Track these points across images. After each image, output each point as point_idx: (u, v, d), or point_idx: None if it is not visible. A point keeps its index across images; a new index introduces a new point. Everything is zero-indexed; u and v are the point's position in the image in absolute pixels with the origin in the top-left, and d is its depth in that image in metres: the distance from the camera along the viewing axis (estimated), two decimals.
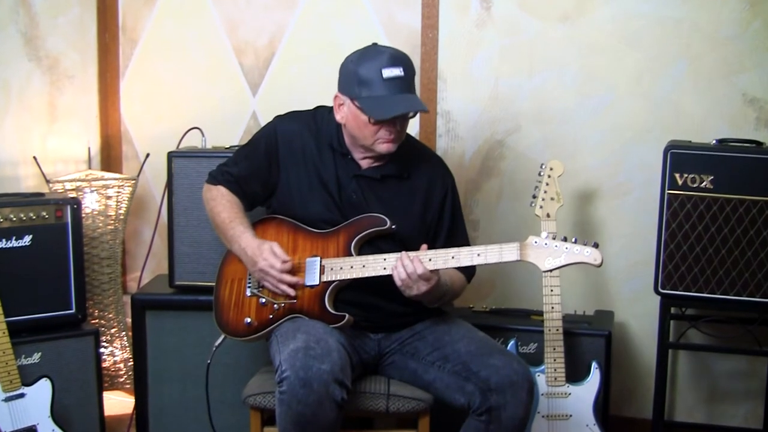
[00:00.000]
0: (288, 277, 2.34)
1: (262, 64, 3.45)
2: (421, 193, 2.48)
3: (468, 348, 2.34)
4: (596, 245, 2.20)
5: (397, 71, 2.31)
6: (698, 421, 3.11)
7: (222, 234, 2.49)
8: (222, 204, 2.49)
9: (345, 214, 2.42)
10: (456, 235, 2.50)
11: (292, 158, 2.47)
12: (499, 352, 2.33)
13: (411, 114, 2.37)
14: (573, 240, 2.22)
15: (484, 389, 2.24)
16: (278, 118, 2.55)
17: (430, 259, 2.28)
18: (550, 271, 2.24)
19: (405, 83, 2.33)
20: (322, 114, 2.51)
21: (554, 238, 2.22)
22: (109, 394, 3.32)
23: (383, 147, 2.37)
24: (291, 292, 2.34)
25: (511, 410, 2.22)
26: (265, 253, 2.34)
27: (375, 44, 2.40)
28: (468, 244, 2.45)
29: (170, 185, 2.90)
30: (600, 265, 2.20)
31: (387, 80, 2.29)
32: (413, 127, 3.18)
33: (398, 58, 2.33)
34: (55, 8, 3.39)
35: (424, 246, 2.30)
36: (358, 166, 2.45)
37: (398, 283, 2.26)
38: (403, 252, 2.26)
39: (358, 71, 2.32)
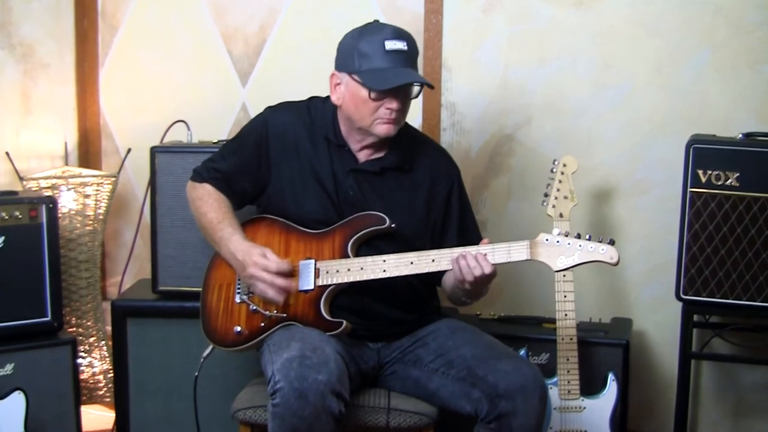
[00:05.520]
0: (280, 281, 2.33)
1: (252, 52, 3.45)
2: (423, 188, 2.48)
3: (474, 352, 2.33)
4: (612, 242, 2.20)
5: (400, 44, 2.33)
6: None
7: (209, 236, 2.49)
8: (209, 203, 2.49)
9: (342, 212, 2.42)
10: (467, 231, 2.50)
11: (284, 153, 2.47)
12: (507, 356, 2.33)
13: (414, 93, 2.38)
14: (587, 237, 2.22)
15: (492, 395, 2.23)
16: (269, 109, 2.55)
17: (433, 260, 2.28)
18: (563, 271, 2.24)
19: (408, 58, 2.35)
20: (317, 105, 2.52)
21: (567, 236, 2.23)
22: (88, 408, 3.32)
23: (382, 128, 2.37)
24: (281, 298, 2.34)
25: (522, 418, 2.21)
26: (255, 257, 2.35)
27: (377, 21, 2.43)
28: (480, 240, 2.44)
29: (153, 183, 2.90)
30: (617, 264, 2.20)
31: (389, 52, 2.31)
32: (415, 119, 3.19)
33: (402, 33, 2.36)
34: None
35: (485, 240, 2.30)
36: (355, 159, 2.46)
37: (468, 281, 2.24)
38: (463, 250, 2.25)
39: (359, 45, 2.34)
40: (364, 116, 2.37)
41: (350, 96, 2.37)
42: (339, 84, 2.39)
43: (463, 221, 2.52)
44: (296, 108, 2.52)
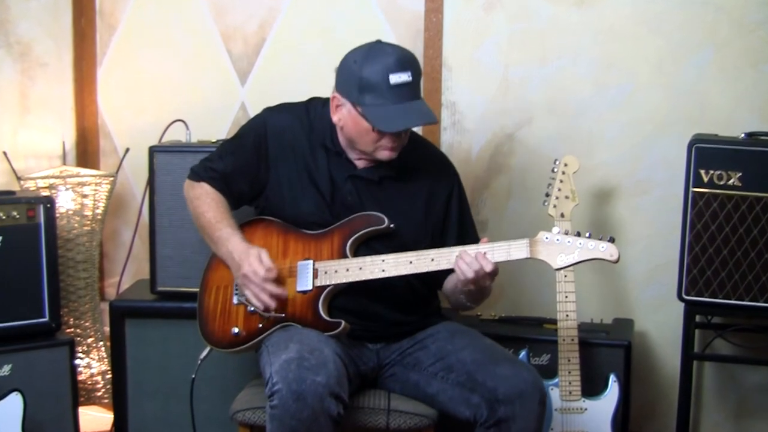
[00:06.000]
0: (271, 287, 2.33)
1: (251, 51, 3.45)
2: (422, 192, 2.48)
3: (473, 356, 2.34)
4: (612, 240, 2.21)
5: (405, 77, 2.29)
6: None
7: (207, 235, 2.49)
8: (207, 203, 2.49)
9: (339, 216, 2.42)
10: (466, 236, 2.49)
11: (283, 154, 2.47)
12: (507, 360, 2.33)
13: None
14: (587, 235, 2.22)
15: (491, 400, 2.23)
16: (268, 110, 2.55)
17: (432, 259, 2.28)
18: (563, 269, 2.25)
19: (412, 89, 2.32)
20: (316, 107, 2.51)
21: (567, 234, 2.23)
22: (86, 409, 3.32)
23: (384, 154, 2.37)
24: (272, 304, 2.34)
25: (522, 423, 2.22)
26: (251, 258, 2.34)
27: (379, 42, 2.38)
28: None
29: (152, 183, 2.90)
30: (617, 261, 2.20)
31: (394, 87, 2.28)
32: None
33: (406, 61, 2.32)
34: None
35: (485, 239, 2.30)
36: (353, 166, 2.45)
37: (470, 280, 2.25)
38: (462, 249, 2.26)
39: (362, 74, 2.30)
40: (367, 144, 2.36)
41: (352, 123, 2.35)
42: (341, 106, 2.37)
43: (462, 226, 2.52)
44: (295, 109, 2.52)
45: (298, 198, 2.45)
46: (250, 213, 2.57)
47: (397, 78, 2.29)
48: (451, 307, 2.57)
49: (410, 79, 2.30)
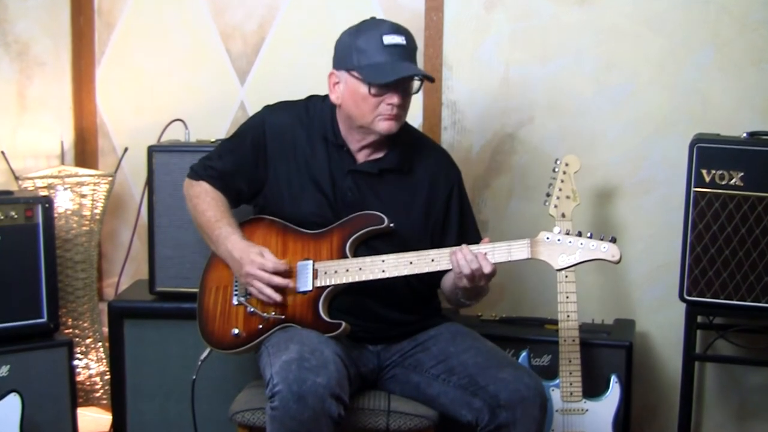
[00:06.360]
0: (278, 279, 2.33)
1: (251, 50, 3.45)
2: (423, 189, 2.48)
3: (475, 360, 2.34)
4: (614, 240, 2.21)
5: (398, 39, 2.33)
6: None
7: (206, 234, 2.49)
8: (206, 202, 2.49)
9: (339, 214, 2.42)
10: (467, 234, 2.49)
11: (282, 153, 2.47)
12: (508, 365, 2.34)
13: (415, 88, 2.38)
14: (588, 235, 2.22)
15: (493, 405, 2.24)
16: (267, 108, 2.55)
17: (432, 260, 2.28)
18: (564, 269, 2.24)
19: (407, 52, 2.34)
20: (315, 104, 2.51)
21: (568, 234, 2.22)
22: (84, 410, 3.32)
23: (384, 125, 2.36)
24: (277, 297, 2.34)
25: (522, 428, 2.23)
26: (253, 255, 2.34)
27: (373, 17, 2.43)
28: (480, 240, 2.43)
29: (151, 182, 2.90)
30: (618, 262, 2.20)
31: (388, 47, 2.32)
32: (416, 118, 3.18)
33: (400, 28, 2.37)
34: None
35: (486, 239, 2.30)
36: (353, 160, 2.45)
37: (466, 280, 2.24)
38: (461, 247, 2.25)
39: (356, 41, 2.34)
40: (365, 113, 2.36)
41: (350, 94, 2.36)
42: (338, 83, 2.39)
43: (462, 224, 2.52)
44: (294, 107, 2.52)
45: (297, 196, 2.45)
46: (249, 212, 2.57)
47: (390, 39, 2.32)
48: (449, 305, 2.57)
49: (404, 42, 2.33)
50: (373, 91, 2.32)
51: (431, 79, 2.36)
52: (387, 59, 2.31)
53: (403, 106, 2.38)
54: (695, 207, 2.71)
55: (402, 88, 2.34)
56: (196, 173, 2.54)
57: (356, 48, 2.33)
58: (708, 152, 2.70)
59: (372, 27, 2.36)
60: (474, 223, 2.58)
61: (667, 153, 3.05)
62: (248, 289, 2.39)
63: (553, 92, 3.15)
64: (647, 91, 3.07)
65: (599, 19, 3.08)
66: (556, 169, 2.81)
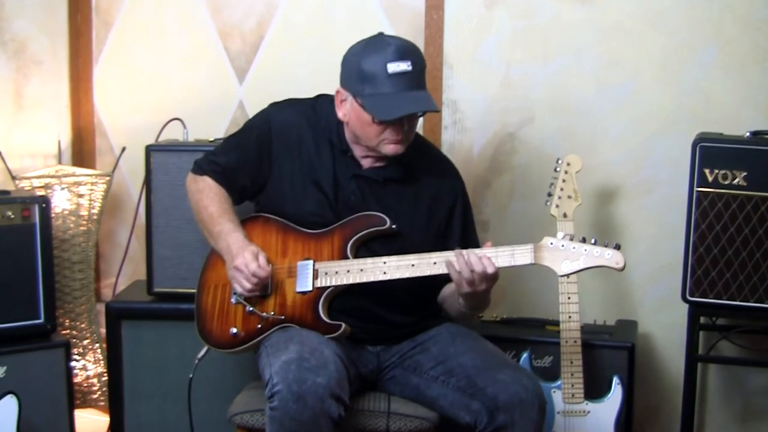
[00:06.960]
0: (255, 280, 2.33)
1: (249, 48, 3.44)
2: (426, 200, 2.47)
3: (474, 361, 2.34)
4: (618, 247, 2.21)
5: (404, 66, 2.29)
6: None
7: (207, 230, 2.49)
8: (209, 197, 2.49)
9: (340, 216, 2.42)
10: (469, 245, 2.48)
11: (287, 151, 2.46)
12: (507, 367, 2.34)
13: (419, 114, 2.37)
14: (592, 241, 2.22)
15: (491, 408, 2.24)
16: (274, 105, 2.54)
17: (434, 263, 2.28)
18: (568, 275, 2.24)
19: (413, 78, 2.31)
20: (323, 104, 2.50)
21: (572, 239, 2.22)
22: (81, 412, 3.32)
23: (389, 148, 2.36)
24: (248, 285, 2.32)
25: (520, 430, 2.23)
26: (246, 253, 2.34)
27: (381, 34, 2.39)
28: None
29: (148, 182, 2.90)
30: (622, 269, 2.21)
31: (392, 76, 2.28)
32: None
33: (406, 51, 2.31)
34: None
35: (488, 243, 2.29)
36: (358, 165, 2.45)
37: (466, 284, 2.23)
38: (465, 250, 2.24)
39: (361, 65, 2.30)
40: (371, 137, 2.36)
41: (355, 116, 2.35)
42: (344, 101, 2.37)
43: (464, 235, 2.51)
44: (302, 106, 2.51)
45: (300, 196, 2.45)
46: (251, 209, 2.57)
47: (395, 67, 2.28)
48: (452, 317, 2.55)
49: (410, 68, 2.29)
50: (376, 121, 2.31)
51: (436, 111, 2.35)
52: (392, 89, 2.28)
53: (410, 131, 2.37)
54: (698, 207, 2.71)
55: (407, 118, 2.32)
56: (200, 168, 2.54)
57: (360, 73, 2.30)
58: (711, 152, 2.70)
59: (378, 49, 2.30)
60: (475, 235, 2.56)
61: (669, 152, 3.05)
62: (232, 283, 2.38)
63: (555, 91, 3.15)
64: (649, 90, 3.06)
65: (601, 18, 3.08)
66: (558, 169, 2.80)
